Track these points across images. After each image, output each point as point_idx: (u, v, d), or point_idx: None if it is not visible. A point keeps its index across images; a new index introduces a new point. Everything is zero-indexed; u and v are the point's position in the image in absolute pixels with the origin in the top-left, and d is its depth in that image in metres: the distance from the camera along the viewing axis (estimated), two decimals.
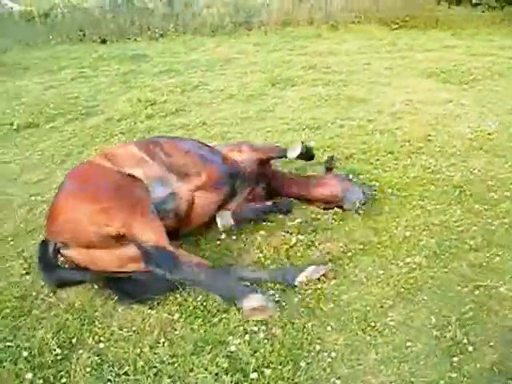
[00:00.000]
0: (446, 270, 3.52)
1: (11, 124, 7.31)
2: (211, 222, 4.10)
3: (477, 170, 4.81)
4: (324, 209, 4.37)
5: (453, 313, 3.12)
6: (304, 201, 4.48)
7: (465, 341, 2.89)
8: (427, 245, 3.78)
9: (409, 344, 2.92)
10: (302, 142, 4.35)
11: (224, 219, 4.06)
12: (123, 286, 3.44)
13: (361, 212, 4.18)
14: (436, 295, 3.29)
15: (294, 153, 4.30)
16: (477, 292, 3.29)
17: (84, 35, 15.31)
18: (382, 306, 3.21)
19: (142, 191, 3.49)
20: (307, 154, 4.47)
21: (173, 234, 3.58)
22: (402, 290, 3.35)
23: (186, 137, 6.18)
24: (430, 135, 5.68)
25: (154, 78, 10.07)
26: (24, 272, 3.79)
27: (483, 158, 5.07)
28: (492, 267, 3.51)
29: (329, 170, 4.61)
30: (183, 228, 3.89)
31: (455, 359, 2.79)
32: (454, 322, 3.03)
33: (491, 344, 2.88)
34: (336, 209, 4.32)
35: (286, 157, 4.41)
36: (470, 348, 2.84)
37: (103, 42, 15.32)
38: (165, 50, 13.56)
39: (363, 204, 4.10)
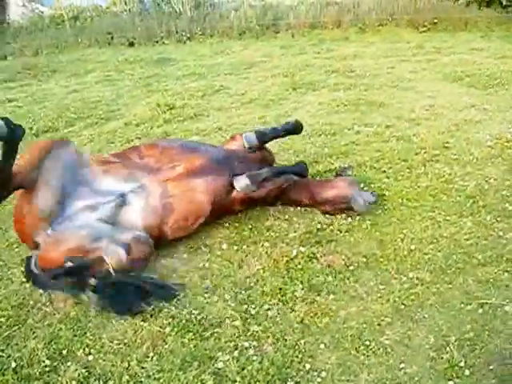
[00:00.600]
0: (450, 286, 3.37)
1: (31, 129, 7.36)
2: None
3: (493, 179, 4.62)
4: (331, 214, 4.27)
5: (453, 332, 2.98)
6: (312, 205, 4.38)
7: (462, 363, 2.74)
8: (433, 259, 3.63)
9: (403, 365, 2.79)
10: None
11: (240, 181, 4.03)
12: (115, 298, 3.41)
13: (368, 222, 4.08)
14: (437, 313, 3.15)
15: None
16: (480, 310, 3.14)
17: (112, 38, 15.49)
18: (379, 324, 3.09)
19: None
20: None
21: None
22: (402, 306, 3.22)
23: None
24: (447, 142, 5.49)
25: (177, 82, 10.09)
26: (24, 280, 3.77)
27: (501, 167, 4.86)
28: (499, 284, 3.34)
29: (339, 175, 4.56)
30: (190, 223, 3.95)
31: (450, 383, 2.65)
32: (453, 343, 2.89)
33: (491, 367, 2.72)
34: (342, 218, 4.20)
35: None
36: (467, 371, 2.69)
37: (131, 45, 15.48)
38: (191, 53, 13.59)
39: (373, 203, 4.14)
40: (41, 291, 3.61)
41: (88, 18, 16.10)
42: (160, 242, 3.84)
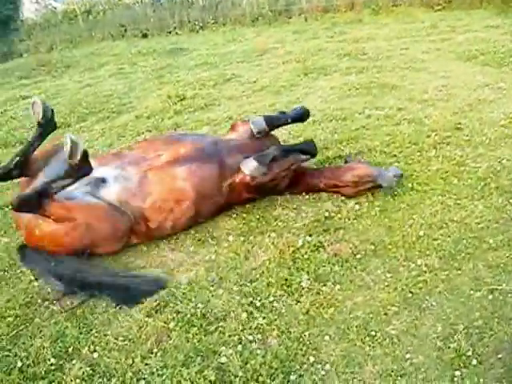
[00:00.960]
0: (459, 272, 3.28)
1: None
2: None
3: (505, 159, 4.47)
4: (351, 197, 4.25)
5: (461, 320, 2.90)
6: (332, 189, 4.33)
7: (469, 353, 2.67)
8: (442, 244, 3.54)
9: (409, 356, 2.73)
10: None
11: (247, 164, 4.00)
12: (108, 292, 3.50)
13: (377, 208, 4.02)
14: (445, 300, 3.07)
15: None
16: (490, 297, 3.04)
17: (125, 30, 15.51)
18: (385, 313, 3.03)
19: None
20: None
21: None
22: (410, 294, 3.14)
23: (210, 133, 6.12)
24: (459, 123, 5.34)
25: (189, 72, 10.04)
26: (33, 278, 3.79)
27: None
28: (510, 269, 3.24)
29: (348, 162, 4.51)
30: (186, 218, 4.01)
31: (457, 373, 2.58)
32: (461, 331, 2.82)
33: (499, 356, 2.65)
34: (350, 205, 4.13)
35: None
36: (474, 361, 2.62)
37: (144, 36, 15.49)
38: (204, 43, 13.52)
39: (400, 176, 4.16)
40: (49, 289, 3.63)
41: (101, 11, 16.12)
42: (148, 223, 3.90)
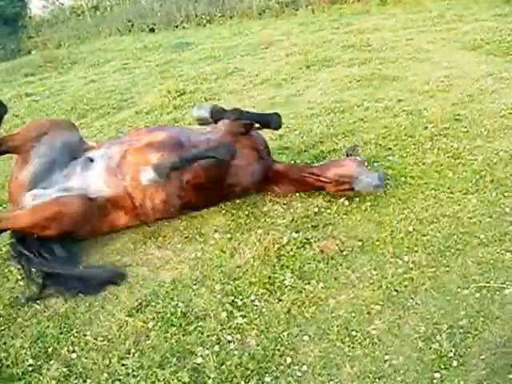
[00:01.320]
0: (447, 268, 3.18)
1: None
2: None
3: (503, 151, 4.34)
4: (332, 196, 4.11)
5: (446, 319, 2.81)
6: (318, 185, 4.17)
7: (451, 354, 2.57)
8: (431, 240, 3.44)
9: (388, 357, 2.64)
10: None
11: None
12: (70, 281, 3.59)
13: (368, 203, 3.92)
14: (431, 299, 2.97)
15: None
16: (478, 295, 2.94)
17: (132, 26, 15.46)
18: (368, 312, 2.94)
19: None
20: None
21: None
22: (395, 293, 3.05)
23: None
24: (458, 114, 5.21)
25: (192, 67, 10.00)
26: (20, 277, 3.76)
27: None
28: (500, 265, 3.13)
29: (349, 156, 4.38)
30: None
31: (436, 375, 2.49)
32: (445, 331, 2.72)
33: (482, 357, 2.55)
34: (341, 201, 4.04)
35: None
36: (455, 362, 2.52)
37: (151, 30, 15.45)
38: (210, 37, 13.47)
39: (377, 187, 3.86)
40: (34, 289, 3.59)
41: (108, 6, 16.08)
42: (133, 200, 3.97)
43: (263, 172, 4.20)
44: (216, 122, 4.19)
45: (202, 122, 4.17)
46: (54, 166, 4.02)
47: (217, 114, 4.13)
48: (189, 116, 6.82)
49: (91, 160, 4.09)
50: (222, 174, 4.01)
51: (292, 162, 4.79)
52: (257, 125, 4.26)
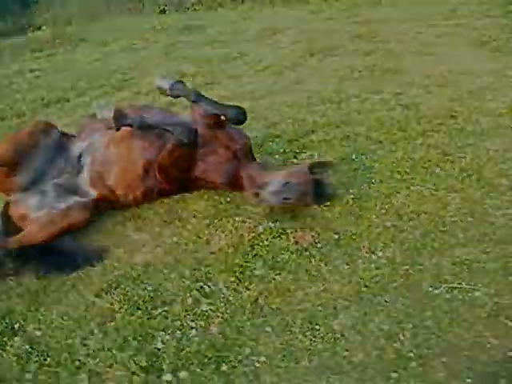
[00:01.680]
0: (420, 267, 3.12)
1: (42, 99, 7.40)
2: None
3: (493, 150, 4.26)
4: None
5: (411, 319, 2.76)
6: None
7: (411, 354, 2.53)
8: (408, 237, 3.38)
9: (348, 353, 2.59)
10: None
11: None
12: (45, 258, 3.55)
13: (351, 196, 3.87)
14: (400, 297, 2.92)
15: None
16: (448, 295, 2.89)
17: (143, 6, 15.35)
18: (335, 307, 2.89)
19: None
20: None
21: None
22: (364, 288, 3.00)
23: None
24: (455, 111, 5.12)
25: (197, 50, 9.89)
26: None
27: (506, 138, 4.48)
28: (475, 266, 3.07)
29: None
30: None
31: (393, 375, 2.44)
32: (409, 330, 2.67)
33: (443, 360, 2.50)
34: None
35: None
36: (414, 363, 2.48)
37: (162, 12, 15.32)
38: (219, 20, 13.33)
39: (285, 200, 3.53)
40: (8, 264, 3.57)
41: None
42: (116, 197, 3.98)
43: (234, 173, 3.97)
44: (174, 97, 4.23)
45: (162, 92, 4.15)
46: (42, 173, 3.92)
47: (176, 89, 4.07)
48: (185, 100, 6.75)
49: (80, 157, 4.01)
50: (188, 162, 3.90)
51: (281, 150, 4.73)
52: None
